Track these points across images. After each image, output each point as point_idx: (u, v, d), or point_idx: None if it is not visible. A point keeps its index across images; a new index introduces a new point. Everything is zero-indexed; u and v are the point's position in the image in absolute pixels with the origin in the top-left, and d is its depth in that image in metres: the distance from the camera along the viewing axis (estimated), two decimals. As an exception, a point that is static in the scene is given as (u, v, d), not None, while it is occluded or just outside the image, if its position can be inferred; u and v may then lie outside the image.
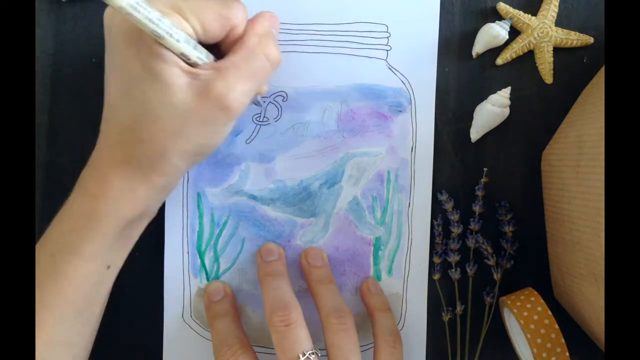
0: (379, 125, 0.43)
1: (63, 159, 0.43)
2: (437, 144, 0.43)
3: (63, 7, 0.43)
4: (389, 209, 0.43)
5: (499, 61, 0.43)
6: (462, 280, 0.43)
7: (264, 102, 0.43)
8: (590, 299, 0.36)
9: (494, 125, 0.43)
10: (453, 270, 0.43)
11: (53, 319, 0.35)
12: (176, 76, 0.33)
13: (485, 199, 0.43)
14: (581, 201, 0.36)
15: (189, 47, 0.33)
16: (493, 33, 0.42)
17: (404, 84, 0.43)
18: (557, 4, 0.43)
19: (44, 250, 0.36)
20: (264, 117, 0.43)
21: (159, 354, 0.43)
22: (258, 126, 0.43)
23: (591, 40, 0.43)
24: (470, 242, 0.43)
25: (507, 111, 0.43)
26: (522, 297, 0.40)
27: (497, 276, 0.43)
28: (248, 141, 0.43)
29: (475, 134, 0.43)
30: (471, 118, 0.43)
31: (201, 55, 0.34)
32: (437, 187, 0.43)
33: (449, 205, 0.43)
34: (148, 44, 0.33)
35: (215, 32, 0.35)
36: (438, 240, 0.43)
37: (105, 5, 0.33)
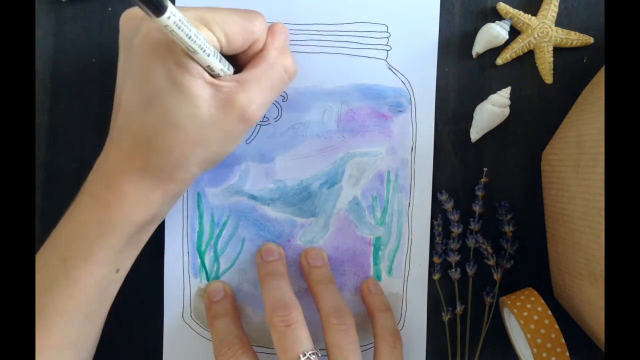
0: (379, 125, 0.43)
1: (63, 159, 0.43)
2: (437, 144, 0.43)
3: (63, 7, 0.43)
4: (389, 209, 0.43)
5: (499, 61, 0.43)
6: (462, 280, 0.43)
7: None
8: (590, 299, 0.36)
9: (494, 125, 0.43)
10: (453, 270, 0.43)
11: (64, 324, 0.36)
12: (201, 88, 0.34)
13: (485, 199, 0.43)
14: (581, 201, 0.36)
15: (215, 60, 0.34)
16: (493, 33, 0.42)
17: (404, 84, 0.43)
18: (557, 4, 0.43)
19: (54, 255, 0.36)
20: (264, 117, 0.43)
21: (159, 354, 0.43)
22: (258, 126, 0.43)
23: (591, 40, 0.43)
24: (470, 242, 0.43)
25: (507, 111, 0.43)
26: (522, 297, 0.40)
27: (497, 276, 0.43)
28: (248, 141, 0.43)
29: (475, 134, 0.43)
30: (471, 118, 0.43)
31: (224, 68, 0.35)
32: (437, 187, 0.43)
33: (449, 205, 0.43)
34: (175, 55, 0.33)
35: (239, 44, 0.36)
36: (438, 240, 0.43)
37: (119, 11, 0.33)
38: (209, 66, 0.34)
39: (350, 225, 0.43)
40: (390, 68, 0.43)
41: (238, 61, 0.37)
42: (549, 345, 0.38)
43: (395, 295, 0.43)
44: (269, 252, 0.42)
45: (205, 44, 0.33)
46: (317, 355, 0.37)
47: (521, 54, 0.43)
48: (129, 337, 0.44)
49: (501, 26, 0.42)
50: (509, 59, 0.43)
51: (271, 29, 0.38)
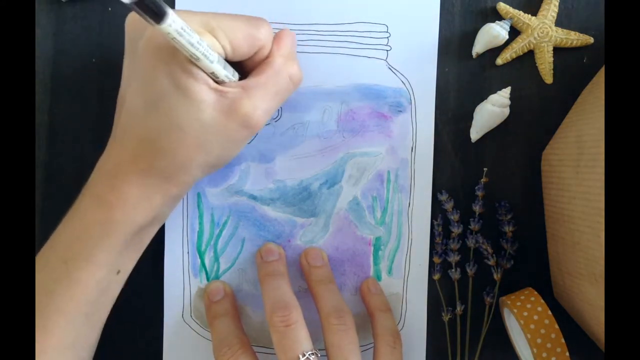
0: (379, 125, 0.43)
1: (63, 159, 0.43)
2: (437, 144, 0.43)
3: (63, 7, 0.43)
4: (389, 209, 0.43)
5: (499, 61, 0.43)
6: (462, 280, 0.43)
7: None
8: (590, 299, 0.36)
9: (494, 125, 0.43)
10: (453, 270, 0.43)
11: (65, 324, 0.36)
12: (205, 94, 0.34)
13: (485, 199, 0.43)
14: (581, 201, 0.36)
15: (220, 66, 0.34)
16: (493, 33, 0.42)
17: (404, 84, 0.43)
18: (557, 4, 0.43)
19: (55, 255, 0.36)
20: (264, 117, 0.43)
21: (159, 353, 0.43)
22: (258, 126, 0.43)
23: (591, 40, 0.43)
24: (470, 242, 0.43)
25: (507, 111, 0.43)
26: (522, 297, 0.40)
27: (497, 276, 0.43)
28: (248, 141, 0.43)
29: (475, 134, 0.43)
30: (471, 118, 0.43)
31: (229, 74, 0.35)
32: (437, 187, 0.43)
33: (449, 205, 0.43)
34: (180, 61, 0.33)
35: (244, 51, 0.36)
36: (438, 240, 0.43)
37: (119, 11, 0.33)
38: (213, 73, 0.34)
39: (350, 225, 0.43)
40: (390, 68, 0.43)
41: (244, 67, 0.37)
42: (549, 345, 0.38)
43: (395, 295, 0.43)
44: (269, 252, 0.42)
45: (209, 51, 0.33)
46: (317, 356, 0.37)
47: (521, 54, 0.43)
48: (129, 337, 0.44)
49: (501, 26, 0.42)
50: (509, 59, 0.43)
51: (277, 35, 0.38)
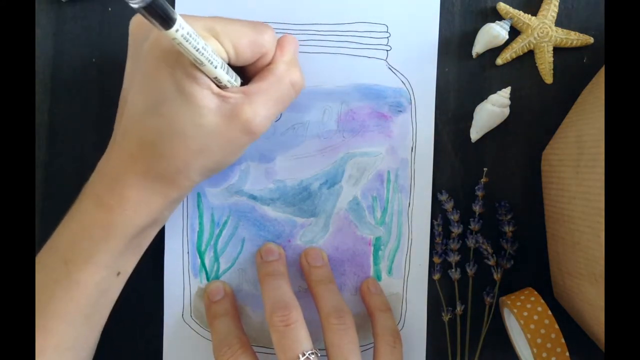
0: (379, 125, 0.43)
1: (63, 159, 0.43)
2: (437, 144, 0.43)
3: (63, 7, 0.43)
4: (389, 209, 0.43)
5: (499, 61, 0.43)
6: (462, 280, 0.43)
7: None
8: (590, 299, 0.36)
9: (494, 125, 0.43)
10: (453, 270, 0.43)
11: (65, 325, 0.36)
12: (207, 99, 0.34)
13: (485, 199, 0.43)
14: (581, 201, 0.36)
15: (223, 72, 0.34)
16: (493, 33, 0.42)
17: (404, 84, 0.43)
18: (557, 4, 0.43)
19: (55, 256, 0.36)
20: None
21: (159, 354, 0.43)
22: (258, 126, 0.43)
23: (591, 40, 0.43)
24: (470, 242, 0.43)
25: (507, 111, 0.43)
26: (522, 297, 0.40)
27: (497, 276, 0.43)
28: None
29: (475, 134, 0.43)
30: (471, 118, 0.43)
31: (231, 79, 0.35)
32: (437, 187, 0.43)
33: (449, 205, 0.43)
34: (183, 65, 0.33)
35: (247, 57, 0.36)
36: (438, 240, 0.43)
37: (129, 14, 0.33)
38: (216, 78, 0.34)
39: (350, 225, 0.43)
40: (390, 68, 0.43)
41: (246, 72, 0.37)
42: (549, 345, 0.38)
43: (395, 295, 0.43)
44: (269, 252, 0.42)
45: (213, 56, 0.33)
46: (317, 355, 0.37)
47: (521, 54, 0.43)
48: (129, 337, 0.44)
49: (501, 26, 0.42)
50: (509, 59, 0.43)
51: (280, 41, 0.38)
